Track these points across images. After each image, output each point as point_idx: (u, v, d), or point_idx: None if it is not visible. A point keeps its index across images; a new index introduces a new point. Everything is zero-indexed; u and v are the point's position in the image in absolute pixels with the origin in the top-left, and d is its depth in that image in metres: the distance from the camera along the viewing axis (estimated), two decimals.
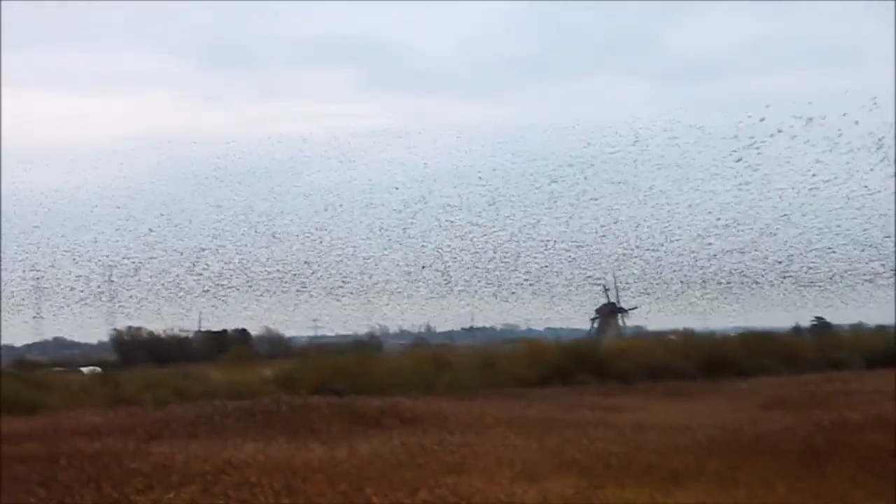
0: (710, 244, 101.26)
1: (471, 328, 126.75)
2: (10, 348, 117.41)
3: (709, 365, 69.46)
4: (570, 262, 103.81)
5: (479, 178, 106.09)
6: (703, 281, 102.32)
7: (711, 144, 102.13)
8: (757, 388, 55.61)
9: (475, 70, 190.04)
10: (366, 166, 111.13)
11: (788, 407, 41.62)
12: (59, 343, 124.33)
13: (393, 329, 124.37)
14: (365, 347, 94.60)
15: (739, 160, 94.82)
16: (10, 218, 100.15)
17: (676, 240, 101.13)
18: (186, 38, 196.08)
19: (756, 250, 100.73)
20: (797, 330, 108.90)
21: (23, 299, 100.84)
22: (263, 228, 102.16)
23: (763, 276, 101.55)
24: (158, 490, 22.72)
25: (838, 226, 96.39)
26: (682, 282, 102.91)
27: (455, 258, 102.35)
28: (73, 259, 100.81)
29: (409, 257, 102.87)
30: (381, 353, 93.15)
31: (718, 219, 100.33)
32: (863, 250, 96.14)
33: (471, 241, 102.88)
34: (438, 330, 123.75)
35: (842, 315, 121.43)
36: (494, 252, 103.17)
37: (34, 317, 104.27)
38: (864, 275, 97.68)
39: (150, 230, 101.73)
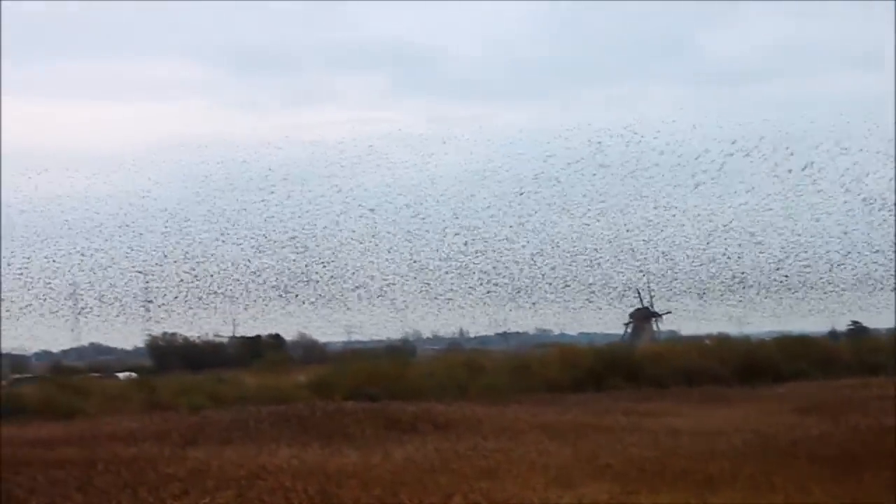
0: (741, 248, 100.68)
1: (504, 333, 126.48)
2: (47, 353, 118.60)
3: (744, 369, 69.04)
4: (602, 266, 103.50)
5: (509, 182, 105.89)
6: (739, 285, 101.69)
7: (742, 148, 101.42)
8: (793, 393, 55.26)
9: (504, 74, 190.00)
10: (396, 171, 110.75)
11: (825, 412, 41.28)
12: (95, 348, 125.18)
13: (426, 334, 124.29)
14: (398, 352, 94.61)
15: (784, 166, 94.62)
16: (43, 223, 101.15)
17: (709, 244, 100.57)
18: (217, 44, 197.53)
19: (790, 255, 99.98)
20: (834, 334, 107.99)
21: (60, 305, 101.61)
22: (295, 234, 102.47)
23: (798, 280, 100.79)
24: (194, 495, 22.88)
25: (870, 230, 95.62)
26: (716, 286, 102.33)
27: (485, 263, 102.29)
28: (109, 264, 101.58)
29: (439, 262, 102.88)
30: (414, 358, 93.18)
31: (746, 226, 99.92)
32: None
33: (501, 245, 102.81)
34: (472, 335, 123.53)
35: (878, 319, 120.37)
36: (525, 257, 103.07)
37: (71, 322, 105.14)
38: None
39: (183, 235, 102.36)
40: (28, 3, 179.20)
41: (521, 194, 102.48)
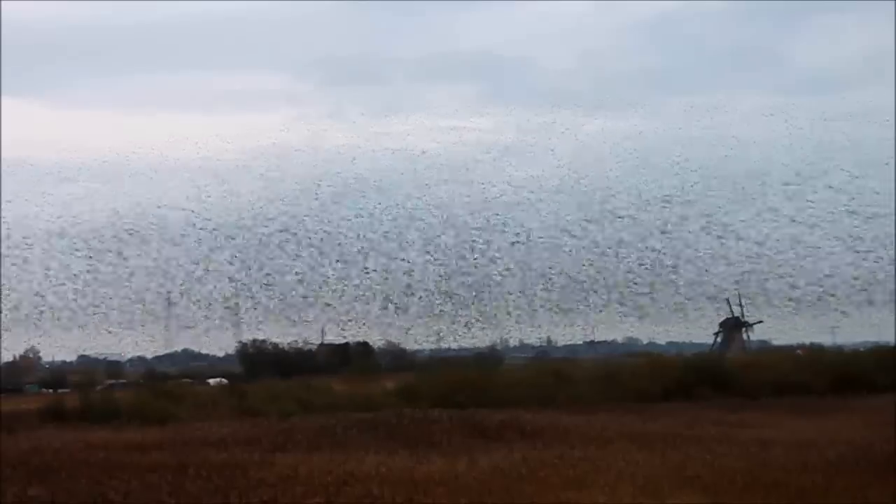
0: (835, 258, 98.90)
1: (592, 342, 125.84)
2: (141, 359, 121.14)
3: (837, 380, 67.46)
4: (692, 275, 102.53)
5: (599, 192, 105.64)
6: (831, 295, 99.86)
7: (834, 156, 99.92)
8: (889, 405, 53.84)
9: (592, 84, 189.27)
10: (485, 181, 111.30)
11: None
12: (187, 355, 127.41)
13: (513, 342, 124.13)
14: (486, 360, 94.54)
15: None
16: (137, 233, 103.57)
17: (806, 255, 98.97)
18: (305, 56, 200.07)
19: (885, 264, 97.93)
20: None
21: (154, 312, 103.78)
22: (384, 242, 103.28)
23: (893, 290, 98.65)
24: (283, 501, 23.15)
25: None
26: (809, 296, 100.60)
27: (575, 272, 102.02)
28: (202, 273, 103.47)
29: (528, 272, 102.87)
30: (502, 366, 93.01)
31: (844, 235, 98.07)
32: None
33: (591, 255, 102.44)
34: (559, 343, 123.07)
35: None
36: (616, 266, 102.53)
37: (164, 329, 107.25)
38: None
39: (268, 243, 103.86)
40: (124, 21, 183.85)
41: (622, 205, 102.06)
